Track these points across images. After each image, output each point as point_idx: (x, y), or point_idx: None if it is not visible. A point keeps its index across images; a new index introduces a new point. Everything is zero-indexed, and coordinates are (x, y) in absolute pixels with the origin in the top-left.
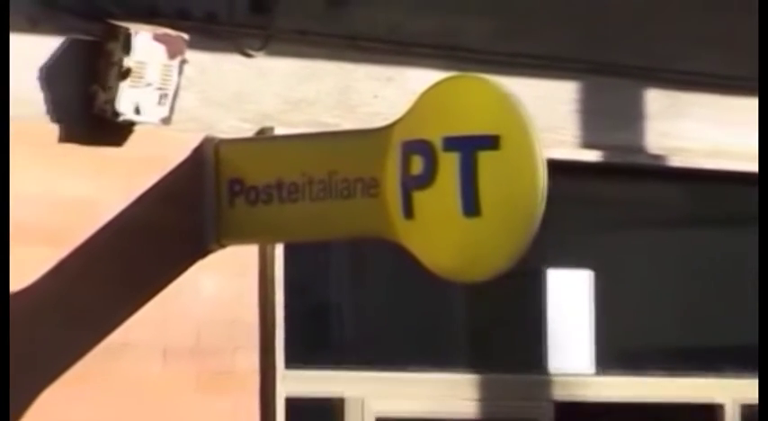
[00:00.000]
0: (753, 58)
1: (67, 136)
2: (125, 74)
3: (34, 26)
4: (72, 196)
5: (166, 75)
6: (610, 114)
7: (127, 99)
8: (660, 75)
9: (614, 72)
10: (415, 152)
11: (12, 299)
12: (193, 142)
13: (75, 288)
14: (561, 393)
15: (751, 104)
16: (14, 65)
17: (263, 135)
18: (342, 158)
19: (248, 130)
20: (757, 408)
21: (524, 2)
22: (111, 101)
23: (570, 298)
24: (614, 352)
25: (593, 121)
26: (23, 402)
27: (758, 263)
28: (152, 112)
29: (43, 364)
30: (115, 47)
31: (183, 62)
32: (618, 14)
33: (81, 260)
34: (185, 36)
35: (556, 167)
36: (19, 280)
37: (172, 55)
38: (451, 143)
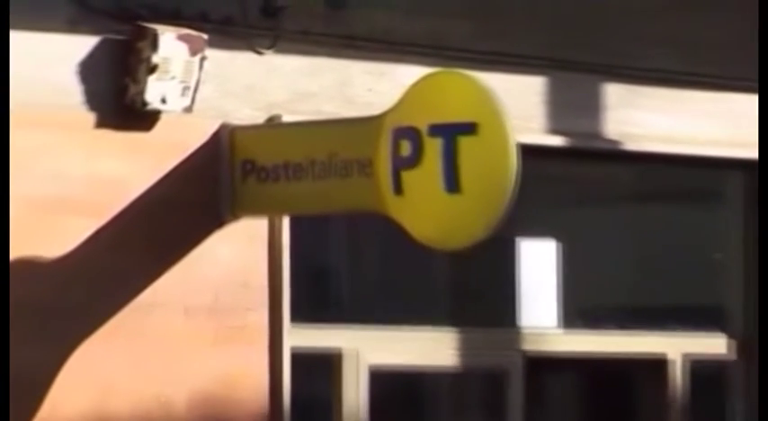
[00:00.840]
0: (699, 55)
1: (102, 123)
2: (152, 69)
3: (73, 27)
4: (107, 175)
5: (188, 70)
6: (573, 105)
7: (154, 91)
8: (617, 71)
9: (577, 68)
10: (403, 137)
11: (56, 262)
12: (211, 128)
13: (109, 254)
14: (530, 347)
15: (696, 96)
16: (56, 61)
17: (272, 122)
18: (340, 142)
19: (259, 118)
20: (701, 361)
21: (500, 8)
22: (141, 92)
23: (538, 264)
24: (576, 311)
25: (559, 111)
26: (65, 353)
27: (758, 261)
28: (176, 102)
29: (82, 320)
30: (144, 45)
31: (203, 59)
32: (581, 18)
33: (115, 230)
34: (205, 36)
35: (526, 151)
36: (62, 246)
37: (193, 52)
38: (436, 129)
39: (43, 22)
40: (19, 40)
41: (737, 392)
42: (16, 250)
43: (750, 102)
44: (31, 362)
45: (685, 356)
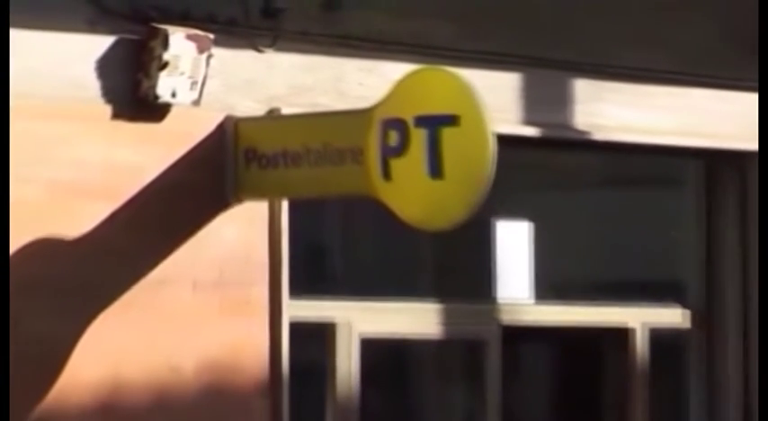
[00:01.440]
0: (661, 54)
1: (118, 114)
2: (163, 66)
3: (92, 28)
4: (121, 162)
5: (196, 66)
6: (545, 99)
7: (165, 85)
8: (585, 68)
9: (549, 66)
10: (391, 128)
11: (75, 242)
12: (217, 119)
13: (123, 234)
14: (505, 318)
15: (657, 91)
16: (76, 58)
17: (272, 114)
18: (334, 132)
19: (260, 110)
20: (660, 331)
21: (480, 11)
22: (153, 87)
23: (513, 243)
24: (547, 285)
25: (532, 104)
26: (82, 325)
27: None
28: (185, 96)
29: (98, 295)
30: (156, 44)
31: (210, 56)
32: (553, 20)
33: (128, 212)
34: (211, 36)
35: (502, 140)
36: (81, 227)
37: (200, 50)
38: (420, 121)
39: (64, 22)
40: (42, 40)
41: (692, 358)
42: (39, 230)
43: (705, 96)
44: (52, 334)
45: (645, 326)
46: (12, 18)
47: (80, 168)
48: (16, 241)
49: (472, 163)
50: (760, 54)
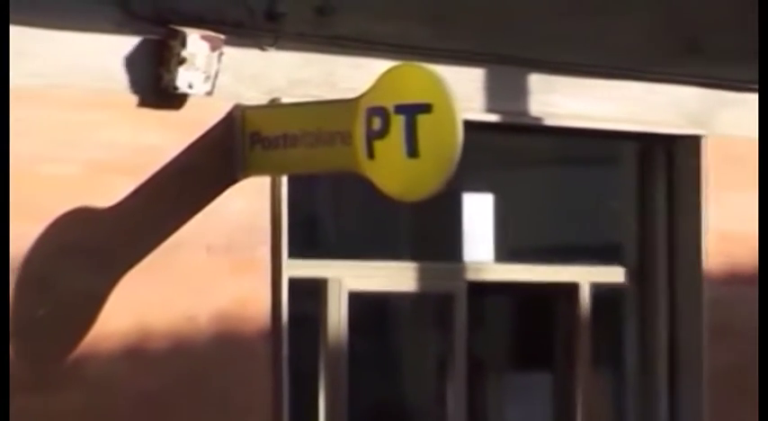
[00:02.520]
0: (602, 52)
1: (143, 103)
2: (181, 62)
3: (120, 29)
4: (145, 143)
5: (209, 62)
6: (505, 90)
7: (183, 79)
8: (539, 64)
9: (508, 62)
10: (375, 114)
11: (106, 211)
12: (227, 108)
13: (147, 205)
14: (471, 276)
15: (599, 84)
16: (107, 55)
17: (274, 103)
18: (326, 118)
19: (263, 100)
20: (603, 287)
21: (451, 15)
22: (172, 80)
23: (478, 212)
24: (507, 248)
25: (494, 95)
26: (112, 282)
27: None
28: (199, 88)
29: (125, 257)
30: (175, 44)
31: (221, 54)
32: (511, 24)
33: (151, 186)
34: (222, 36)
35: (468, 125)
36: (111, 199)
37: (213, 49)
38: (399, 109)
39: (97, 25)
40: (78, 39)
41: (628, 308)
42: (76, 202)
43: (640, 88)
44: (86, 290)
45: (589, 282)
46: (52, 21)
47: (111, 149)
48: (57, 211)
49: (443, 144)
50: (760, 53)
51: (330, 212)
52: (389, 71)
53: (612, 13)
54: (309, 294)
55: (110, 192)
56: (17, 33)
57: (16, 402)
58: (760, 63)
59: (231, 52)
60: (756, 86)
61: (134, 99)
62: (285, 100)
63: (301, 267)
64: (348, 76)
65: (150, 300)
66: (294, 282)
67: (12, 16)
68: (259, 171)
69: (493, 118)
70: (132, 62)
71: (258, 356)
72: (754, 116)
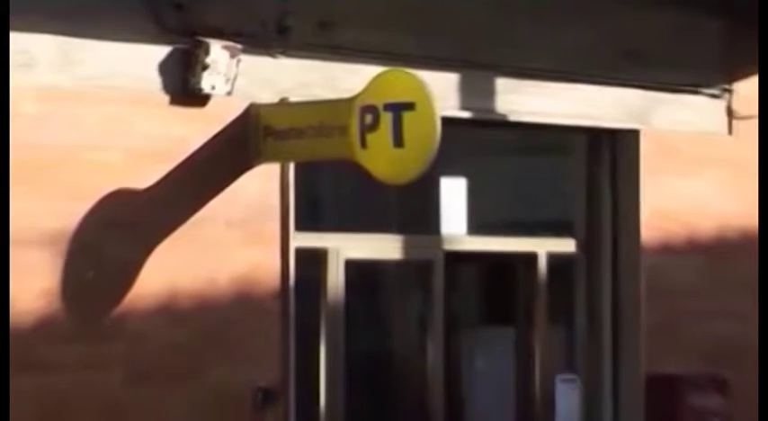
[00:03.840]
0: (560, 58)
1: (173, 101)
2: (205, 67)
3: (154, 40)
4: (176, 135)
5: (229, 68)
6: (476, 91)
7: (206, 81)
8: (504, 69)
9: (479, 67)
10: (367, 111)
11: (142, 192)
12: (243, 106)
13: (176, 186)
14: (447, 246)
15: (557, 86)
16: (144, 62)
17: (283, 102)
18: (327, 115)
19: (274, 99)
20: (557, 256)
21: (430, 28)
22: (198, 82)
23: (453, 192)
24: (477, 223)
25: (467, 95)
26: (146, 252)
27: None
28: (221, 89)
29: (158, 229)
30: (200, 52)
31: (238, 61)
32: (482, 35)
33: (180, 171)
34: (239, 46)
35: (445, 121)
36: (145, 182)
37: (232, 56)
38: (388, 107)
39: (135, 36)
40: (120, 48)
41: (578, 274)
42: (117, 183)
43: (588, 89)
44: (125, 258)
45: (546, 252)
46: (99, 33)
47: (146, 140)
48: (101, 191)
49: (424, 136)
50: (760, 53)
51: (330, 193)
52: (379, 75)
53: (566, 27)
54: (312, 261)
55: (145, 176)
56: (69, 43)
57: (68, 351)
58: (760, 64)
59: (247, 59)
60: (688, 88)
61: (166, 98)
62: (292, 99)
63: (305, 239)
64: (345, 79)
65: (178, 266)
66: (299, 252)
67: (65, 29)
68: (270, 159)
69: (465, 114)
70: (164, 67)
71: (269, 313)
72: (684, 113)
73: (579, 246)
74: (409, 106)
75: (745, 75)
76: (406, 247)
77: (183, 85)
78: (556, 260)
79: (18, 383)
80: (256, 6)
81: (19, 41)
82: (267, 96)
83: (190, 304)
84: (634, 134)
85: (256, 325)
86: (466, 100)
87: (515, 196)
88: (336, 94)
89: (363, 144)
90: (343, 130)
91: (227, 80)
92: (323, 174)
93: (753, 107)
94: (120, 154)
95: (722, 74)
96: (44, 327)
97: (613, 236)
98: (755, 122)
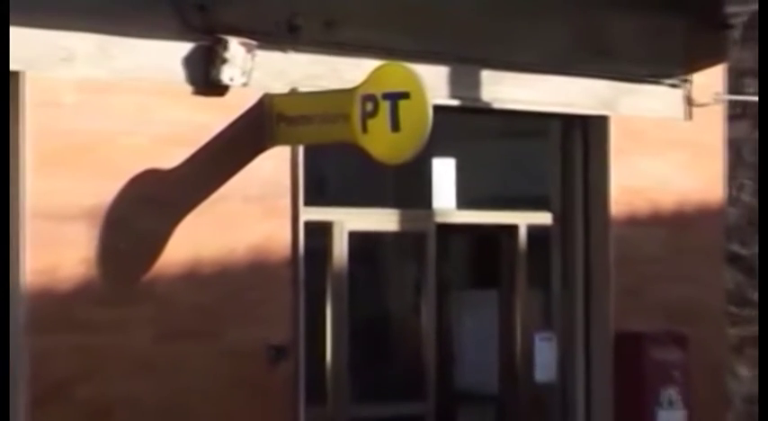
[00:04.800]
0: (538, 53)
1: (197, 91)
2: (224, 61)
3: (179, 37)
4: (198, 122)
5: (245, 62)
6: (464, 82)
7: (225, 74)
8: (489, 63)
9: (467, 61)
10: (368, 100)
11: (168, 172)
12: (258, 95)
13: (198, 167)
14: (439, 219)
15: (532, 77)
16: (171, 56)
17: (293, 92)
18: (332, 103)
19: (285, 89)
20: (535, 227)
21: (424, 27)
22: (218, 74)
23: (443, 171)
24: (465, 198)
25: (456, 85)
26: (173, 225)
27: (758, 262)
28: (238, 80)
29: (183, 205)
30: (220, 48)
31: (254, 55)
32: (469, 32)
33: (203, 153)
34: (254, 42)
35: (436, 108)
36: (171, 163)
37: (248, 52)
38: (385, 96)
39: (162, 34)
40: (149, 45)
41: (553, 243)
42: (145, 165)
43: (562, 81)
44: (153, 229)
45: (527, 225)
46: (130, 31)
47: (171, 125)
48: (132, 171)
49: (418, 122)
50: (760, 53)
51: (335, 172)
52: (378, 68)
53: (544, 26)
54: (319, 233)
55: (171, 158)
56: (105, 40)
57: (103, 313)
58: (760, 62)
59: (261, 54)
60: (651, 79)
61: (189, 89)
62: (302, 89)
63: (313, 213)
64: (348, 71)
65: (201, 237)
66: (308, 224)
67: (102, 28)
68: (282, 142)
69: (454, 103)
70: (188, 62)
71: (281, 279)
72: (647, 101)
73: (555, 218)
74: (405, 95)
75: (701, 67)
76: (403, 220)
77: (205, 77)
78: (534, 231)
79: (59, 341)
80: (269, 8)
81: (61, 39)
82: (279, 87)
83: (211, 271)
84: (603, 120)
85: (270, 289)
86: (455, 90)
87: (499, 175)
88: (340, 84)
89: (364, 129)
90: (347, 117)
91: (244, 73)
92: (328, 156)
93: (708, 95)
94: (150, 138)
95: (681, 66)
96: (82, 292)
97: (585, 210)
98: (711, 109)
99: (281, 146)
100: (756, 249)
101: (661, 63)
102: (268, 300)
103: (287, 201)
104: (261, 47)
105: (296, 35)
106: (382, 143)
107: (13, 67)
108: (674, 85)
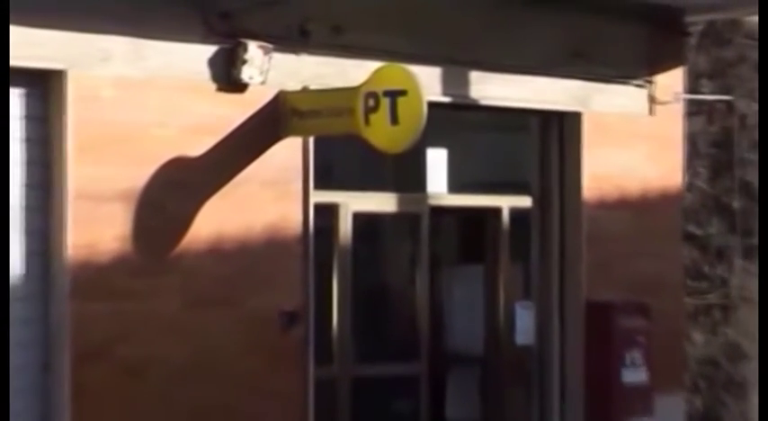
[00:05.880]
0: (518, 57)
1: (219, 88)
2: (244, 62)
3: (205, 41)
4: (220, 115)
5: (263, 63)
6: (455, 81)
7: (245, 73)
8: (477, 65)
9: (457, 63)
10: (370, 97)
11: (194, 160)
12: (274, 92)
13: (221, 154)
14: (432, 202)
15: (514, 77)
16: (196, 57)
17: (305, 89)
18: (339, 99)
19: (298, 87)
20: (517, 209)
21: (420, 33)
22: (238, 73)
23: (436, 160)
24: (456, 183)
25: (448, 84)
26: (197, 206)
27: (758, 263)
28: (256, 79)
29: (208, 187)
30: (240, 50)
31: (270, 57)
32: (460, 39)
33: (225, 143)
34: (271, 46)
35: (430, 104)
36: (197, 152)
37: (265, 54)
38: (386, 93)
39: (190, 38)
40: (177, 47)
41: (533, 224)
42: (173, 154)
43: (542, 81)
44: (181, 210)
45: (510, 207)
46: (161, 35)
47: (197, 118)
48: (163, 158)
49: (414, 116)
50: (760, 53)
51: (341, 160)
52: (380, 68)
53: (525, 33)
54: (327, 213)
55: (197, 147)
56: (139, 43)
57: (137, 283)
58: (760, 62)
59: (277, 56)
60: (619, 80)
61: (213, 86)
62: (312, 87)
63: (322, 196)
64: (352, 71)
65: (223, 217)
66: (317, 206)
67: (136, 32)
68: (294, 133)
69: (446, 99)
70: (212, 62)
71: (294, 254)
72: (615, 99)
73: (534, 201)
74: (403, 93)
75: (662, 69)
76: (400, 203)
77: (227, 76)
78: (516, 213)
79: (98, 307)
80: (283, 15)
81: (100, 41)
82: (292, 85)
83: (232, 246)
84: (577, 116)
85: (283, 263)
86: (447, 88)
87: (485, 163)
88: (346, 83)
89: (367, 122)
90: (351, 111)
91: (261, 72)
92: (335, 145)
93: (669, 94)
94: (178, 130)
95: (645, 69)
96: (119, 264)
97: (561, 194)
98: (671, 106)
99: (294, 137)
100: (711, 230)
101: (628, 66)
102: (281, 272)
103: (298, 185)
104: (276, 49)
105: (307, 39)
106: (383, 134)
107: (56, 66)
108: (639, 85)
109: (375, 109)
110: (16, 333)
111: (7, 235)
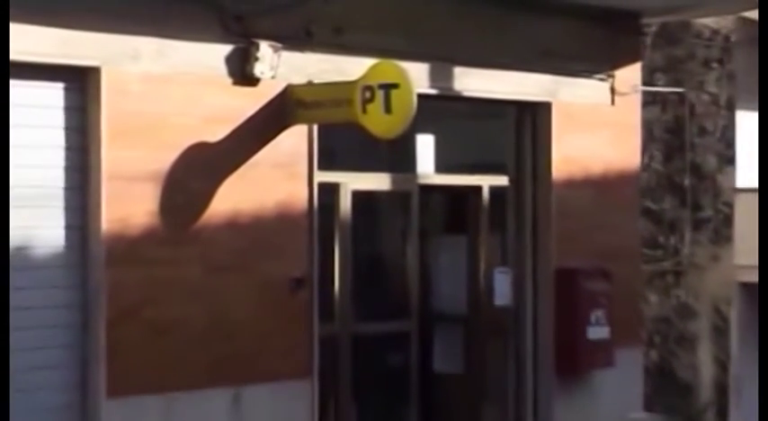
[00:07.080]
0: (498, 54)
1: (234, 82)
2: (256, 59)
3: (221, 40)
4: (235, 106)
5: (273, 60)
6: (441, 76)
7: (257, 69)
8: (460, 61)
9: (443, 60)
10: (366, 90)
11: (212, 144)
12: (282, 86)
13: (237, 140)
14: (421, 181)
15: (495, 73)
16: (213, 55)
17: (309, 83)
18: (339, 91)
19: (303, 81)
20: (495, 187)
21: (411, 32)
22: (251, 69)
23: (425, 144)
24: (442, 164)
25: (435, 78)
26: (215, 186)
27: (758, 263)
28: (267, 74)
29: (224, 170)
30: (253, 49)
31: (279, 55)
32: (446, 38)
33: (240, 130)
34: (280, 45)
35: (419, 96)
36: (215, 138)
37: (275, 52)
38: (380, 86)
39: (208, 37)
40: (196, 46)
41: (509, 200)
42: (194, 140)
43: (517, 75)
44: (201, 189)
45: (489, 186)
46: (180, 35)
47: (215, 109)
48: (184, 144)
49: (405, 106)
50: (760, 54)
51: (341, 144)
52: (375, 65)
53: (502, 33)
54: (329, 192)
55: (215, 134)
56: (163, 42)
57: (163, 252)
58: (760, 62)
59: (285, 54)
60: (584, 74)
61: (229, 80)
62: (316, 81)
63: (325, 176)
64: (351, 67)
65: (239, 195)
66: (321, 185)
67: (160, 32)
68: (301, 121)
69: (433, 92)
70: (228, 59)
71: (300, 228)
72: (581, 91)
73: (510, 181)
74: (395, 86)
75: (622, 64)
76: (393, 182)
77: (241, 72)
78: (494, 190)
79: (130, 274)
80: (291, 18)
81: (130, 41)
82: (298, 79)
83: (246, 221)
84: (547, 105)
85: (291, 235)
86: (434, 82)
87: (467, 147)
88: (345, 77)
89: (364, 111)
90: (350, 102)
91: (272, 68)
92: (336, 132)
93: (628, 86)
94: (198, 119)
95: (607, 64)
96: (147, 235)
97: (533, 174)
98: (630, 97)
99: (300, 124)
100: (665, 205)
101: (592, 62)
102: (290, 242)
103: (304, 167)
104: (284, 48)
105: (311, 39)
106: (378, 122)
107: (92, 63)
108: (601, 79)
109: (371, 100)
110: (60, 297)
111: (7, 235)
